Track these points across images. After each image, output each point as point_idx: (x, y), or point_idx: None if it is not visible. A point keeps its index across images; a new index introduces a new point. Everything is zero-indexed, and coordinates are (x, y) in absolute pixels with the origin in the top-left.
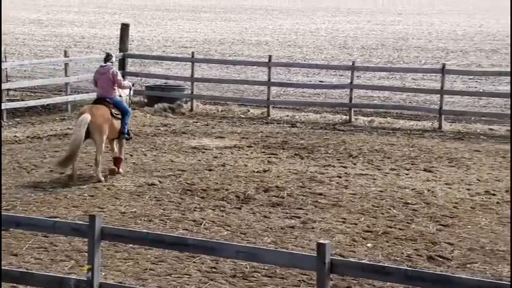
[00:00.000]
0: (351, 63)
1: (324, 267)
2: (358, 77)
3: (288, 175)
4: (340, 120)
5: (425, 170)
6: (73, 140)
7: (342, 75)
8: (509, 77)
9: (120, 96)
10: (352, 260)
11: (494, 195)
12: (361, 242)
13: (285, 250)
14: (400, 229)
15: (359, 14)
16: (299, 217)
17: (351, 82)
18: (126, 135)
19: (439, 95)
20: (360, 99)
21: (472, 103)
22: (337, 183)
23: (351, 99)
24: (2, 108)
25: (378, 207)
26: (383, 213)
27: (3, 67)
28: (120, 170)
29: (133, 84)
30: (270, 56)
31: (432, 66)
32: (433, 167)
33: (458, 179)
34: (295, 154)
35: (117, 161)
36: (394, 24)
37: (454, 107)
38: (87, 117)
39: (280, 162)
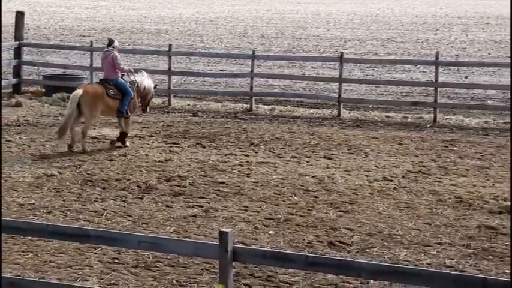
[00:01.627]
0: (251, 52)
1: (227, 255)
2: (258, 65)
3: (190, 164)
4: (241, 109)
5: (325, 157)
6: (65, 114)
7: (242, 64)
8: (403, 65)
9: (122, 78)
10: (255, 248)
11: (391, 181)
12: (263, 230)
13: (188, 239)
14: (301, 216)
15: (258, 3)
16: (201, 206)
17: (252, 71)
18: (125, 114)
19: (337, 83)
20: (260, 88)
21: (370, 91)
22: (239, 171)
23: (251, 87)
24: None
25: (279, 194)
26: (284, 201)
27: None
28: (127, 143)
29: (135, 70)
30: (170, 45)
31: (330, 55)
32: (333, 154)
33: (357, 165)
34: (197, 143)
35: (121, 136)
36: (293, 14)
37: (352, 95)
38: (78, 92)
39: (182, 152)
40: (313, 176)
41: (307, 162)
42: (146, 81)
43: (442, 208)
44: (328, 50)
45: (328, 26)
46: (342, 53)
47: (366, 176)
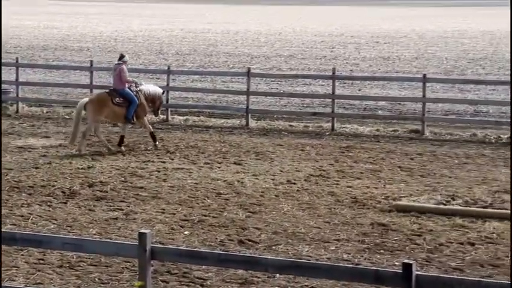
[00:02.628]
0: (166, 68)
1: (145, 254)
2: (173, 80)
3: (111, 171)
4: (158, 120)
5: (235, 163)
6: (73, 121)
7: (158, 79)
8: (304, 79)
9: (129, 89)
10: (171, 247)
11: (294, 184)
12: (179, 230)
13: (109, 240)
14: (214, 217)
15: (173, 22)
16: (122, 209)
17: (167, 84)
18: (131, 120)
19: (245, 96)
20: (175, 100)
21: (274, 103)
22: (157, 177)
23: (167, 100)
24: None
25: (193, 198)
26: (198, 203)
27: None
28: (157, 144)
29: (136, 82)
30: (91, 61)
31: (239, 70)
32: (242, 160)
33: (264, 170)
34: (117, 151)
35: (152, 137)
36: (205, 32)
37: (259, 106)
38: (83, 100)
39: (103, 159)
40: (224, 180)
41: (219, 167)
42: (152, 87)
43: (340, 208)
44: (237, 66)
45: (237, 44)
46: (249, 68)
47: (272, 179)
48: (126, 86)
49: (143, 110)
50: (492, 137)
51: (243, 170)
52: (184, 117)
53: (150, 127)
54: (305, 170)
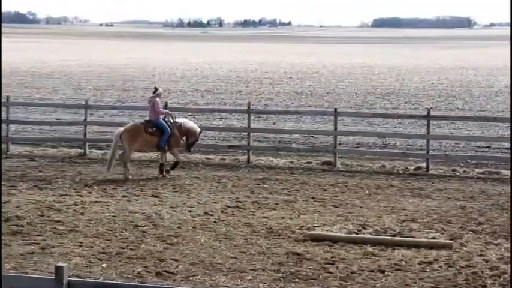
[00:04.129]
0: (84, 102)
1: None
2: (91, 114)
3: (28, 205)
4: (76, 154)
5: (152, 195)
6: (110, 150)
7: (76, 113)
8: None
9: (164, 120)
10: (88, 280)
11: (211, 215)
12: (96, 263)
13: (25, 275)
14: (131, 249)
15: (90, 57)
16: (38, 243)
17: (85, 119)
18: (164, 148)
19: None
20: (93, 135)
21: None
22: (74, 210)
23: (85, 134)
24: None
25: (111, 230)
26: (116, 236)
27: None
28: (170, 171)
29: (169, 114)
30: (8, 97)
31: None
32: (160, 192)
33: (181, 202)
34: (34, 185)
35: (174, 164)
36: (123, 68)
37: None
38: (119, 131)
39: (20, 194)
40: (142, 213)
41: (137, 200)
42: (190, 124)
43: (256, 238)
44: None
45: (154, 79)
46: (166, 103)
47: (189, 211)
48: (161, 117)
49: (175, 141)
50: (400, 168)
51: (161, 203)
52: (103, 151)
53: (180, 157)
54: (222, 201)
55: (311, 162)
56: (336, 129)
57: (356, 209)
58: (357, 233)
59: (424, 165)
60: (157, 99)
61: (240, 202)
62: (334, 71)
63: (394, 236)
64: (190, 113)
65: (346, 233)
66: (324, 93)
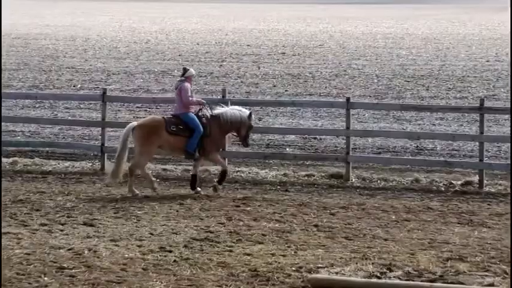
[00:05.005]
0: None
1: None
2: None
3: None
4: None
5: (85, 223)
6: (117, 151)
7: None
8: None
9: (197, 114)
10: None
11: (170, 251)
12: None
13: None
14: None
15: None
16: None
17: None
18: (195, 154)
19: (100, 128)
20: None
21: None
22: None
23: None
24: None
25: (24, 275)
26: (31, 283)
27: None
28: (219, 186)
29: (205, 103)
30: None
31: (90, 93)
32: (95, 219)
33: (126, 233)
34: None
35: (220, 175)
36: (40, 39)
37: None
38: (130, 125)
39: None
40: (69, 249)
41: (62, 230)
42: (230, 111)
43: (234, 284)
44: (87, 86)
45: (86, 56)
46: (104, 89)
47: (139, 246)
48: (192, 109)
49: (216, 142)
50: (441, 184)
51: (97, 234)
52: (11, 160)
53: (225, 163)
54: (185, 231)
55: (313, 175)
56: (348, 127)
57: (378, 243)
58: (379, 277)
59: (476, 179)
60: (187, 84)
61: (211, 232)
62: (346, 43)
63: (433, 281)
64: (139, 104)
65: (365, 277)
66: (331, 76)
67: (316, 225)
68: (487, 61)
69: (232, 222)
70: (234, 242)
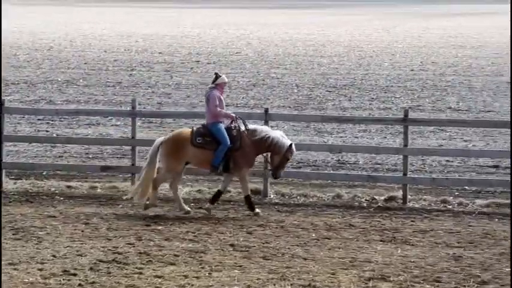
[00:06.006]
0: None
1: None
2: None
3: None
4: None
5: None
6: (144, 167)
7: None
8: None
9: (230, 127)
10: None
11: (74, 275)
12: None
13: None
14: None
15: None
16: None
17: None
18: (218, 169)
19: None
20: None
21: (44, 152)
22: None
23: None
24: None
25: None
26: None
27: None
28: (257, 210)
29: (237, 117)
30: None
31: None
32: None
33: (27, 256)
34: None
35: (248, 201)
36: None
37: (18, 158)
38: (158, 141)
39: None
40: None
41: None
42: (271, 131)
43: None
44: None
45: None
46: (3, 100)
47: (40, 269)
48: (222, 120)
49: (245, 158)
50: (363, 199)
51: None
52: None
53: (249, 187)
54: (91, 253)
55: (229, 192)
56: None
57: (297, 262)
58: None
59: (399, 194)
60: (215, 92)
61: (119, 254)
62: (265, 51)
63: None
64: (40, 116)
65: None
66: (249, 86)
67: (232, 245)
68: (412, 70)
69: (142, 243)
70: (144, 264)
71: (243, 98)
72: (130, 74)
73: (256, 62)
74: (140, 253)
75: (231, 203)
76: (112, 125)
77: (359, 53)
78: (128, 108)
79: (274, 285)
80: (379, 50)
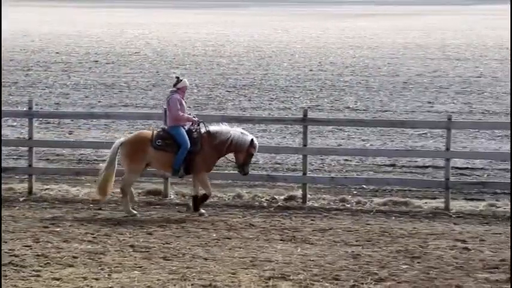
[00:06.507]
0: None
1: None
2: None
3: None
4: None
5: None
6: (104, 167)
7: None
8: None
9: (190, 129)
10: None
11: None
12: None
13: None
14: None
15: None
16: None
17: None
18: (179, 172)
19: None
20: None
21: None
22: None
23: None
24: None
25: None
26: None
27: None
28: (201, 210)
29: (198, 121)
30: None
31: None
32: None
33: None
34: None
35: (194, 200)
36: None
37: None
38: (117, 141)
39: None
40: None
41: None
42: (232, 132)
43: None
44: None
45: None
46: None
47: None
48: (182, 123)
49: (205, 161)
50: (264, 199)
51: None
52: None
53: (210, 189)
54: None
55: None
56: None
57: (198, 262)
58: None
59: (299, 193)
60: (176, 95)
61: (16, 256)
62: (164, 51)
63: None
64: None
65: None
66: (148, 86)
67: (132, 246)
68: (311, 70)
69: (40, 245)
70: (41, 266)
71: (142, 98)
72: (27, 74)
73: (155, 62)
74: (38, 255)
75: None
76: (8, 126)
77: (258, 53)
78: (25, 109)
79: (175, 285)
80: (278, 50)
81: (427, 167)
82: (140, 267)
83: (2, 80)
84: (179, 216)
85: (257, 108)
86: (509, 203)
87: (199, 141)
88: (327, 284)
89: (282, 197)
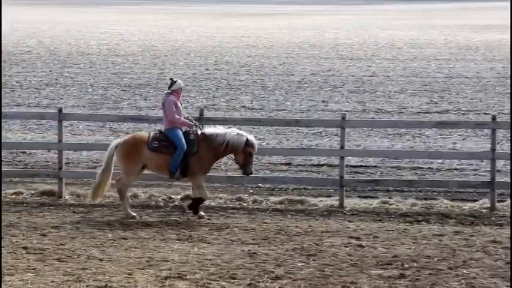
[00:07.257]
0: None
1: None
2: None
3: None
4: None
5: None
6: (100, 169)
7: None
8: None
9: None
10: None
11: None
12: None
13: None
14: None
15: None
16: None
17: None
18: (175, 174)
19: None
20: None
21: None
22: None
23: None
24: None
25: None
26: None
27: None
28: (201, 212)
29: (195, 124)
30: None
31: None
32: None
33: None
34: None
35: (193, 202)
36: None
37: None
38: (115, 142)
39: None
40: None
41: None
42: (227, 135)
43: None
44: None
45: None
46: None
47: None
48: (180, 126)
49: (201, 163)
50: (160, 198)
51: None
52: None
53: (207, 192)
54: None
55: (22, 193)
56: (61, 140)
57: (93, 263)
58: None
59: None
60: (172, 97)
61: None
62: (57, 49)
63: None
64: None
65: None
66: (41, 85)
67: (25, 247)
68: (207, 69)
69: None
70: None
71: (35, 97)
72: None
73: (48, 61)
74: None
75: (24, 204)
76: None
77: (154, 52)
78: None
79: (70, 287)
80: (173, 49)
81: (322, 165)
82: (34, 269)
83: None
84: (74, 217)
85: (153, 108)
86: (401, 200)
87: (196, 143)
88: (223, 283)
89: (179, 197)
